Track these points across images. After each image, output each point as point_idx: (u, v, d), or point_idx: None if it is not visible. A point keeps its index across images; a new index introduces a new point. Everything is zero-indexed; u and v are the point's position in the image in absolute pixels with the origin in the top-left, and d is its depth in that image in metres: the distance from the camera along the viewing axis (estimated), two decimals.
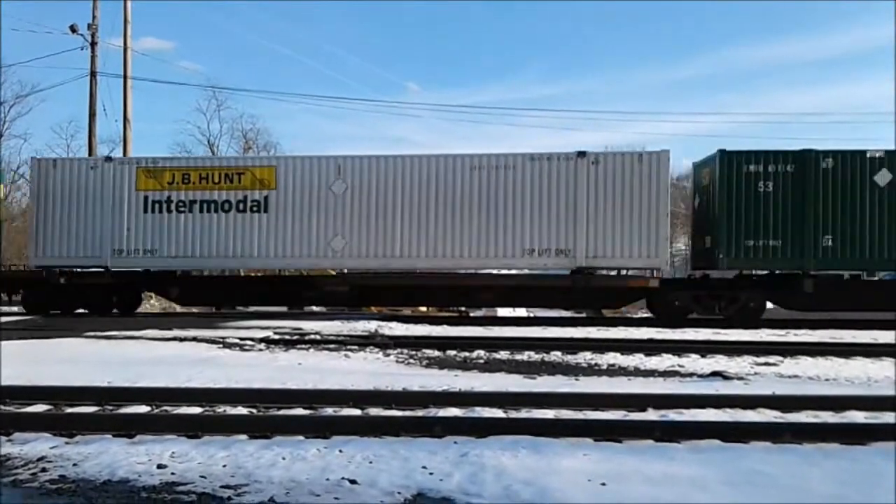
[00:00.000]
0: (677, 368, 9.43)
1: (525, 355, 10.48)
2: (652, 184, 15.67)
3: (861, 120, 78.33)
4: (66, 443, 5.23)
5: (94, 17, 25.11)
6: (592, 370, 9.31)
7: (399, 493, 4.20)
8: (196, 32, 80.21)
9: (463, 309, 20.91)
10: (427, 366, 9.68)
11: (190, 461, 4.76)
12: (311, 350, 11.05)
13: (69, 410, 6.35)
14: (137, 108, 30.32)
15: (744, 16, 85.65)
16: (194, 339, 12.13)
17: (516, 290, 16.77)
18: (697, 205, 17.12)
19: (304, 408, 6.45)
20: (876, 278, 16.35)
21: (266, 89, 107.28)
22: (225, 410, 6.40)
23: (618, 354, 10.49)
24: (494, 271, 17.23)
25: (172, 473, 4.51)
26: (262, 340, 11.92)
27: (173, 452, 4.93)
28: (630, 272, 16.41)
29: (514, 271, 17.12)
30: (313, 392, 6.93)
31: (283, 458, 4.79)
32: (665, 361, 9.96)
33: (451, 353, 10.73)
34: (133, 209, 16.88)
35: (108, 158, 17.52)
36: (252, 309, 19.45)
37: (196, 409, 6.40)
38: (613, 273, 16.63)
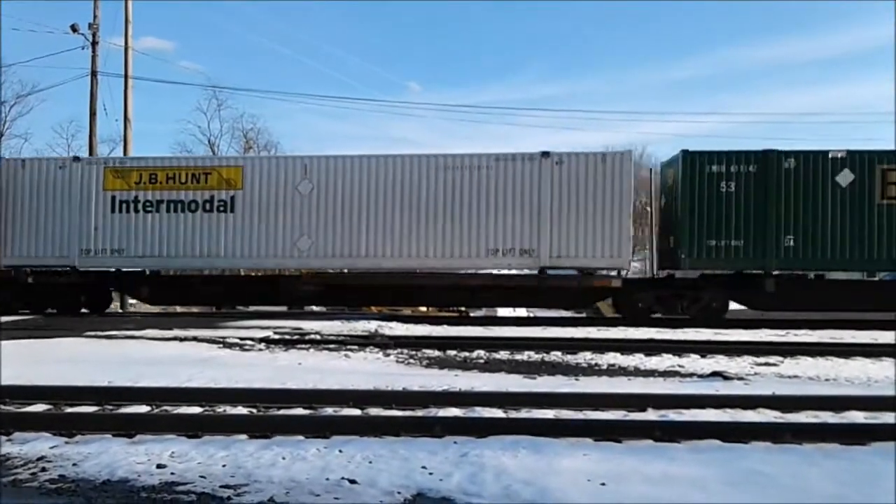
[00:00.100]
0: (677, 368, 9.43)
1: (525, 355, 10.47)
2: (615, 184, 15.74)
3: (861, 120, 78.30)
4: (66, 442, 5.24)
5: (94, 17, 25.11)
6: (592, 370, 9.30)
7: (399, 492, 4.20)
8: (196, 32, 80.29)
9: (463, 309, 20.92)
10: (427, 366, 9.68)
11: (190, 461, 4.76)
12: (312, 350, 11.04)
13: (69, 410, 6.35)
14: (138, 108, 30.37)
15: (744, 16, 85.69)
16: (194, 338, 12.13)
17: (484, 289, 16.80)
18: (663, 205, 17.22)
19: (304, 408, 6.45)
20: (844, 278, 16.49)
21: (266, 89, 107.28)
22: (225, 410, 6.40)
23: (618, 354, 10.48)
24: (465, 271, 17.24)
25: (172, 473, 4.51)
26: (262, 340, 11.92)
27: (173, 452, 4.93)
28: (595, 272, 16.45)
29: (482, 271, 17.21)
30: (313, 392, 6.93)
31: (283, 458, 4.79)
32: (665, 361, 9.96)
33: (452, 352, 10.73)
34: (101, 209, 16.91)
35: (76, 158, 17.51)
36: (252, 309, 19.45)
37: (196, 409, 6.40)
38: (577, 273, 16.63)
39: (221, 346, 11.41)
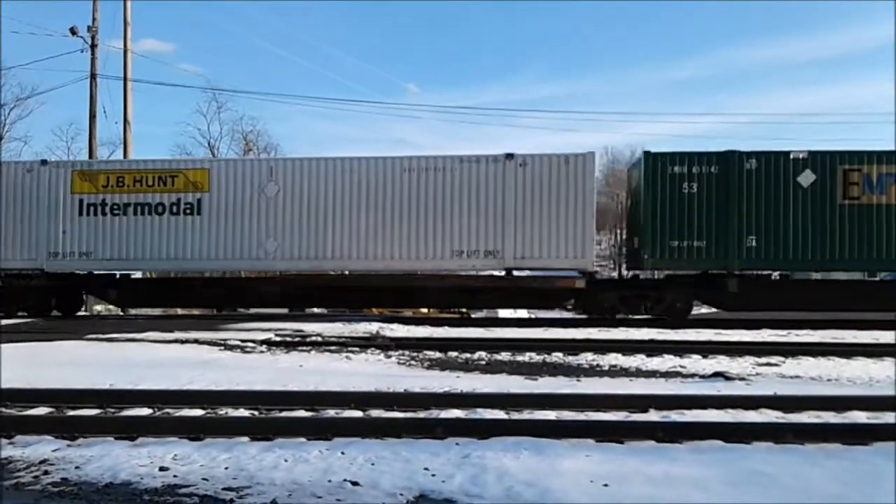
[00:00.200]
0: (679, 369, 9.42)
1: (527, 356, 10.47)
2: (578, 185, 15.82)
3: (861, 120, 78.30)
4: (69, 445, 5.24)
5: (93, 20, 25.13)
6: (594, 371, 9.30)
7: (401, 494, 4.20)
8: (196, 34, 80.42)
9: (464, 310, 20.92)
10: (428, 367, 9.68)
11: (192, 463, 4.77)
12: (313, 352, 11.04)
13: (71, 413, 6.36)
14: (138, 111, 30.41)
15: (744, 16, 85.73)
16: (195, 341, 12.13)
17: (453, 291, 16.87)
18: (629, 206, 17.22)
19: (306, 410, 6.45)
20: (814, 278, 16.52)
21: (266, 91, 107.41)
22: (227, 412, 6.41)
23: (619, 355, 10.47)
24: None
25: (174, 476, 4.51)
26: (263, 342, 11.92)
27: (175, 455, 4.93)
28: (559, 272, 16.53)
29: (449, 272, 17.07)
30: (315, 394, 6.93)
31: (285, 460, 4.79)
32: (667, 362, 9.95)
33: (453, 354, 10.73)
34: (68, 212, 16.95)
35: (44, 162, 17.51)
36: (253, 311, 19.46)
37: (198, 412, 6.40)
38: (542, 274, 16.67)
39: (222, 348, 11.41)
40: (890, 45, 70.25)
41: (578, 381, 8.39)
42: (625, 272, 17.97)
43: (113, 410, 6.50)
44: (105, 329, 13.93)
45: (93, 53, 25.09)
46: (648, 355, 10.44)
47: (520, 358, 10.37)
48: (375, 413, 6.32)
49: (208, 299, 18.64)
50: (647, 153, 15.84)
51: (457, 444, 5.14)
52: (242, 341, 11.97)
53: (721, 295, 15.78)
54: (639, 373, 9.20)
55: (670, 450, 5.05)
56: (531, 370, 9.32)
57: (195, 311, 19.95)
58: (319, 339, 12.52)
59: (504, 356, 10.52)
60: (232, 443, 5.23)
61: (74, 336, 12.66)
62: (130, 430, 5.50)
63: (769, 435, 5.32)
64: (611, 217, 48.31)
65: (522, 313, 22.36)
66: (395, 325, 15.10)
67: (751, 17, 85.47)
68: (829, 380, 8.61)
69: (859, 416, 6.07)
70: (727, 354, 10.47)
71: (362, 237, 16.31)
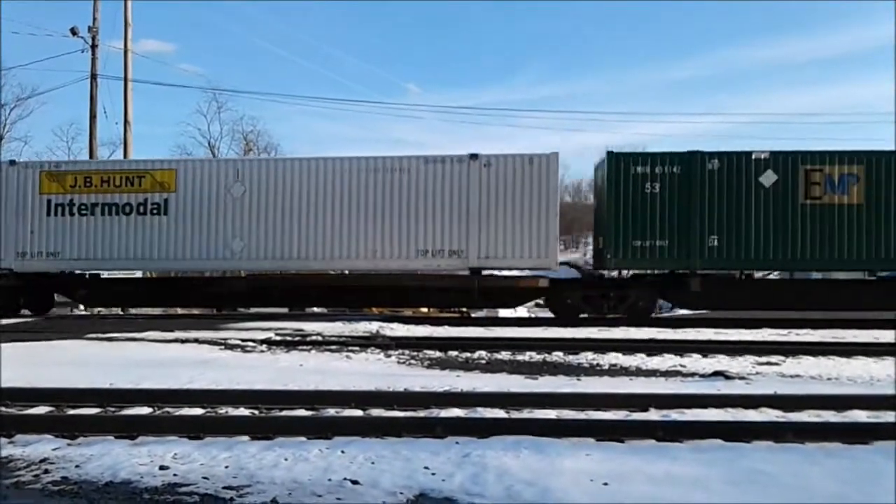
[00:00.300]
0: (679, 368, 9.42)
1: (527, 356, 10.47)
2: (542, 186, 15.87)
3: (861, 120, 78.30)
4: (69, 444, 5.24)
5: (94, 20, 25.13)
6: (594, 370, 9.30)
7: (401, 493, 4.20)
8: (196, 35, 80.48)
9: (464, 309, 20.94)
10: (429, 366, 9.68)
11: (192, 462, 4.77)
12: (313, 351, 11.05)
13: (71, 412, 6.36)
14: (138, 111, 30.41)
15: (744, 16, 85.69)
16: (196, 340, 12.14)
17: (414, 290, 16.96)
18: (596, 206, 17.27)
19: (306, 409, 6.45)
20: (776, 277, 16.65)
21: (266, 91, 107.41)
22: (227, 412, 6.41)
23: (619, 354, 10.48)
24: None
25: (175, 475, 4.51)
26: (263, 342, 11.92)
27: (175, 454, 4.93)
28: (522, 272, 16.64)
29: (414, 272, 17.28)
30: (315, 393, 6.93)
31: (286, 459, 4.79)
32: (667, 361, 9.95)
33: (453, 353, 10.73)
34: (36, 212, 17.00)
35: (13, 162, 17.54)
36: (253, 310, 19.47)
37: (198, 411, 6.41)
38: (506, 273, 16.81)
39: (223, 347, 11.41)
40: (890, 45, 70.33)
41: (579, 380, 8.39)
42: (594, 272, 18.05)
43: (113, 409, 6.50)
44: (105, 328, 13.94)
45: (93, 54, 25.11)
46: (648, 354, 10.45)
47: (520, 357, 10.37)
48: (375, 412, 6.32)
49: (180, 298, 18.82)
50: (610, 153, 15.88)
51: (457, 443, 5.14)
52: (243, 340, 11.98)
53: (683, 294, 15.89)
54: (639, 372, 9.20)
55: (670, 449, 5.05)
56: (531, 369, 9.31)
57: (195, 311, 19.96)
58: (320, 338, 12.53)
59: (504, 355, 10.52)
60: (232, 442, 5.24)
61: (74, 335, 12.67)
62: (131, 429, 5.50)
63: (769, 434, 5.33)
64: None
65: (522, 312, 22.37)
66: (395, 325, 15.11)
67: (751, 17, 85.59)
68: (829, 379, 8.61)
69: (859, 416, 6.07)
70: (727, 353, 10.48)
71: (328, 237, 16.42)
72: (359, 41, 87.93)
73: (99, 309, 20.52)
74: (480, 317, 20.14)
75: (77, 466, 4.70)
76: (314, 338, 12.55)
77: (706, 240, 15.38)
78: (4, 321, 15.64)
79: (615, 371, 9.24)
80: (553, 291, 16.36)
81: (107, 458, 4.85)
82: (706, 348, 10.87)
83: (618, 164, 15.67)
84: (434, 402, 6.53)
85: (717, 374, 8.71)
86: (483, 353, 10.71)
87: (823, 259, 15.39)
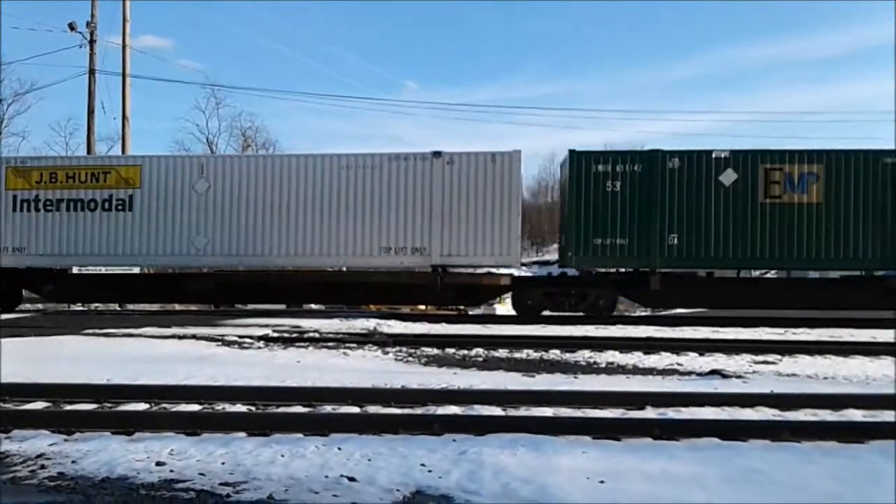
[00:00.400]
0: (676, 367, 9.44)
1: (524, 353, 10.48)
2: (504, 184, 15.93)
3: (861, 119, 78.33)
4: (65, 440, 5.24)
5: (92, 16, 25.08)
6: (591, 368, 9.31)
7: (398, 490, 4.20)
8: (195, 31, 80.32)
9: (462, 307, 20.95)
10: (426, 364, 9.68)
11: (189, 458, 4.76)
12: (310, 348, 11.05)
13: (68, 408, 6.36)
14: (136, 106, 30.34)
15: (744, 16, 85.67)
16: (193, 336, 12.14)
17: (377, 287, 17.10)
18: (561, 205, 17.44)
19: (303, 405, 6.45)
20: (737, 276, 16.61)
21: (265, 88, 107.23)
22: (224, 408, 6.40)
23: (616, 353, 10.49)
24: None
25: (171, 471, 4.51)
26: (260, 338, 11.93)
27: (172, 450, 4.93)
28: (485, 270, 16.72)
29: (376, 269, 17.40)
30: (312, 390, 6.93)
31: (282, 456, 4.79)
32: (664, 360, 9.97)
33: (450, 351, 10.74)
34: (3, 208, 17.07)
35: None
36: (251, 307, 19.47)
37: (195, 407, 6.40)
38: (469, 271, 16.81)
39: (220, 343, 11.41)
40: (890, 45, 70.34)
41: (576, 378, 8.40)
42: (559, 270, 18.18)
43: (110, 405, 6.50)
44: (102, 324, 13.94)
45: (91, 49, 25.06)
46: (645, 353, 10.46)
47: (517, 355, 10.38)
48: (373, 409, 6.32)
49: (147, 295, 18.93)
50: (572, 151, 15.94)
51: (454, 440, 5.15)
52: (240, 337, 11.98)
53: (644, 292, 16.00)
54: (636, 370, 9.21)
55: (667, 447, 5.05)
56: (528, 367, 9.32)
57: (192, 307, 19.96)
58: (317, 335, 12.53)
59: (501, 353, 10.53)
60: (229, 438, 5.23)
61: (72, 331, 12.66)
62: (127, 425, 5.50)
63: (766, 433, 5.33)
64: None
65: None
66: (392, 322, 15.11)
67: (751, 17, 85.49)
68: (825, 378, 8.62)
69: (856, 415, 6.08)
70: (724, 352, 10.50)
71: (291, 234, 16.46)
72: (359, 40, 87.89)
73: (96, 304, 20.53)
74: (478, 314, 20.15)
75: (73, 462, 4.69)
76: (311, 334, 12.56)
77: (666, 238, 15.47)
78: (4, 316, 15.63)
79: (612, 369, 9.25)
80: (515, 289, 16.49)
81: (103, 453, 4.85)
82: (703, 347, 10.89)
83: (579, 163, 15.75)
84: (431, 400, 6.53)
85: (713, 372, 8.72)
86: (480, 350, 10.71)
87: (783, 258, 15.50)
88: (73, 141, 43.38)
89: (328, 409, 6.33)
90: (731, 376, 8.43)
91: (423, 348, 10.94)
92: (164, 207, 16.73)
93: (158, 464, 4.63)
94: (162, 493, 4.13)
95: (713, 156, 15.53)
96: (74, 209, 16.88)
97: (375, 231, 16.21)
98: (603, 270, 16.43)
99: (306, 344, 11.47)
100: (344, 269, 17.57)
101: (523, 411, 6.20)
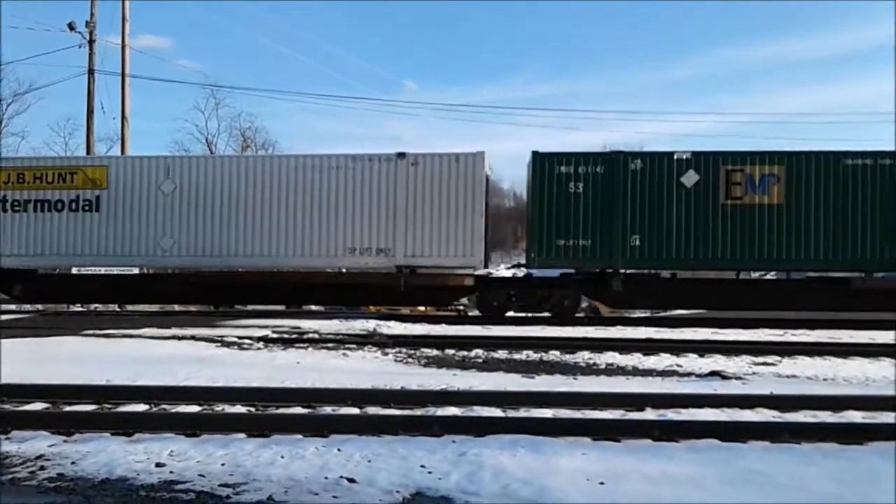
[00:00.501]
0: (675, 368, 9.43)
1: (523, 354, 10.48)
2: (468, 185, 15.95)
3: (861, 120, 78.31)
4: (65, 441, 5.24)
5: (92, 15, 25.08)
6: (591, 369, 9.31)
7: (398, 491, 4.20)
8: (194, 31, 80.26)
9: (461, 308, 20.95)
10: (425, 365, 9.68)
11: (188, 459, 4.76)
12: (310, 349, 11.05)
13: (68, 409, 6.35)
14: (135, 106, 30.19)
15: (744, 16, 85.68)
16: (192, 337, 12.14)
17: (342, 288, 17.14)
18: (527, 206, 17.46)
19: (303, 406, 6.45)
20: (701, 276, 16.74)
21: (265, 88, 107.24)
22: (223, 409, 6.40)
23: (616, 354, 10.49)
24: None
25: (171, 472, 4.51)
26: (260, 339, 11.92)
27: (172, 451, 4.93)
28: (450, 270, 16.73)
29: (344, 269, 17.55)
30: (312, 391, 6.93)
31: (282, 457, 4.79)
32: (663, 361, 9.96)
33: (450, 352, 10.73)
34: None
35: None
36: (250, 308, 19.47)
37: (194, 408, 6.40)
38: (435, 272, 16.81)
39: (219, 344, 11.41)
40: (890, 45, 70.31)
41: (575, 379, 8.40)
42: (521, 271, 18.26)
43: (110, 406, 6.49)
44: (102, 325, 13.93)
45: (91, 49, 25.05)
46: (645, 354, 10.46)
47: (517, 356, 10.38)
48: (372, 410, 6.32)
49: (113, 296, 18.96)
50: (535, 153, 15.96)
51: (453, 441, 5.15)
52: (239, 338, 11.98)
53: (606, 293, 16.07)
54: (635, 371, 9.21)
55: (667, 448, 5.05)
56: (528, 368, 9.32)
57: (192, 308, 19.95)
58: (316, 335, 12.53)
59: (501, 354, 10.52)
60: (229, 439, 5.23)
61: (72, 332, 12.66)
62: (127, 426, 5.50)
63: (766, 434, 5.33)
64: None
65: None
66: (392, 323, 15.11)
67: (751, 17, 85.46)
68: (825, 379, 8.62)
69: (855, 416, 6.08)
70: (724, 353, 10.49)
71: (258, 234, 16.49)
72: (359, 40, 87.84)
73: (96, 305, 20.52)
74: (477, 315, 20.14)
75: (73, 463, 4.69)
76: (311, 335, 12.55)
77: (628, 239, 15.50)
78: (4, 317, 15.63)
79: (612, 370, 9.25)
80: (479, 290, 16.55)
81: (103, 454, 4.85)
82: (703, 348, 10.88)
83: (542, 164, 15.78)
84: (431, 401, 6.53)
85: (713, 373, 8.72)
86: (480, 351, 10.71)
87: (744, 259, 15.49)
88: (72, 141, 43.33)
89: (328, 410, 6.33)
90: (730, 378, 8.43)
91: (422, 349, 10.94)
92: (131, 208, 16.75)
93: (158, 465, 4.63)
94: (162, 495, 4.13)
95: (675, 157, 15.59)
96: (42, 210, 16.86)
97: (340, 232, 16.24)
98: (566, 271, 16.51)
99: (306, 345, 11.47)
100: (310, 269, 17.55)
101: (523, 412, 6.20)
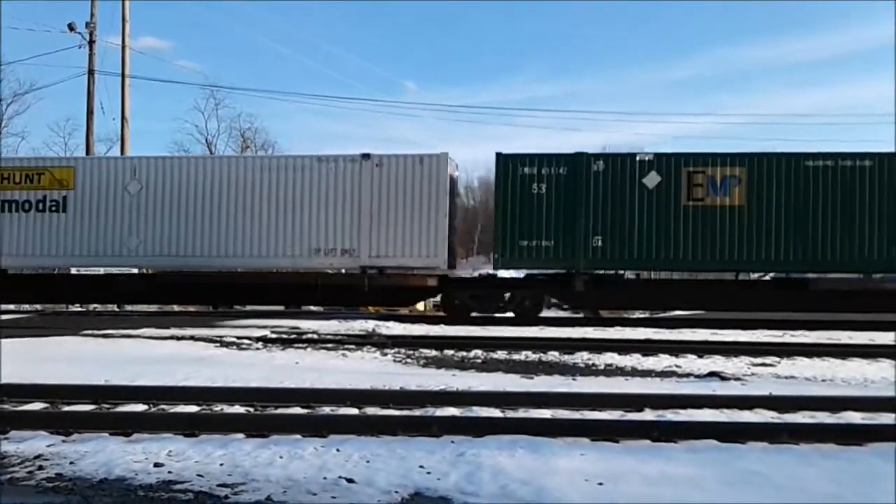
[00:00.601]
0: (674, 369, 9.44)
1: (522, 355, 10.48)
2: (432, 186, 16.03)
3: (860, 121, 78.30)
4: (63, 441, 5.23)
5: (92, 16, 25.05)
6: (590, 370, 9.31)
7: (396, 492, 4.19)
8: (194, 31, 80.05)
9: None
10: (424, 365, 9.68)
11: (187, 460, 4.76)
12: (309, 349, 11.05)
13: (66, 409, 6.35)
14: (135, 107, 30.16)
15: (744, 16, 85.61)
16: (191, 337, 12.14)
17: (306, 288, 17.05)
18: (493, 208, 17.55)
19: (302, 407, 6.45)
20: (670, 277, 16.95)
21: (265, 88, 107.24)
22: (222, 409, 6.39)
23: (615, 354, 10.49)
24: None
25: (169, 472, 4.50)
26: (259, 339, 11.93)
27: (170, 451, 4.92)
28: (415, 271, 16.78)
29: (306, 270, 17.40)
30: (310, 391, 6.93)
31: (281, 457, 4.79)
32: (662, 362, 9.97)
33: (449, 352, 10.73)
34: None
35: None
36: (249, 308, 19.47)
37: (193, 408, 6.40)
38: (399, 272, 16.81)
39: (218, 345, 11.41)
40: (890, 45, 70.20)
41: (574, 379, 8.40)
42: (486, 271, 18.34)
43: (108, 406, 6.49)
44: (101, 325, 13.93)
45: (91, 49, 25.03)
46: (644, 355, 10.46)
47: (516, 356, 10.38)
48: (371, 410, 6.32)
49: (79, 295, 18.92)
50: (499, 154, 16.06)
51: (452, 442, 5.14)
52: (238, 338, 11.98)
53: (569, 294, 16.14)
54: (634, 372, 9.21)
55: (665, 449, 5.05)
56: (527, 369, 9.32)
57: (191, 308, 19.94)
58: (315, 336, 12.53)
59: (500, 354, 10.53)
60: (227, 439, 5.23)
61: (71, 332, 12.66)
62: (125, 426, 5.49)
63: (764, 435, 5.33)
64: None
65: None
66: (391, 323, 15.13)
67: (751, 17, 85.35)
68: (823, 380, 8.62)
69: (854, 417, 6.08)
70: (723, 354, 10.50)
71: (223, 235, 16.52)
72: (359, 40, 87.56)
73: (94, 305, 20.50)
74: (476, 316, 20.15)
75: (71, 463, 4.69)
76: (310, 336, 12.56)
77: (591, 240, 15.58)
78: (4, 317, 15.63)
79: (611, 371, 9.25)
80: (442, 290, 16.63)
81: (101, 454, 4.84)
82: (702, 349, 10.89)
83: (506, 165, 15.87)
84: (430, 401, 6.53)
85: (712, 374, 8.73)
86: (479, 352, 10.72)
87: (705, 260, 15.55)
88: (72, 141, 43.15)
89: (327, 410, 6.33)
90: (729, 378, 8.44)
91: (421, 350, 10.94)
92: (98, 208, 16.80)
93: (157, 465, 4.62)
94: (160, 495, 4.12)
95: (637, 159, 15.73)
96: (8, 210, 16.89)
97: (305, 232, 16.30)
98: (530, 272, 16.61)
99: (305, 345, 11.47)
100: (274, 269, 17.56)
101: (522, 413, 6.20)
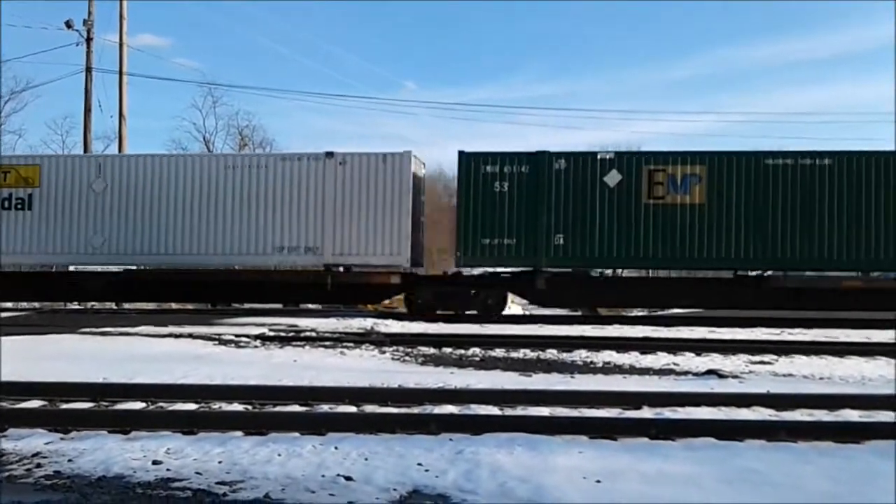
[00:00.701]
0: (672, 367, 9.45)
1: (521, 353, 10.49)
2: (395, 184, 16.09)
3: (860, 121, 78.26)
4: (62, 439, 5.23)
5: (89, 13, 24.96)
6: (588, 368, 9.32)
7: (394, 489, 4.20)
8: (193, 30, 79.73)
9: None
10: (423, 363, 9.69)
11: (185, 457, 4.76)
12: (307, 347, 11.04)
13: (64, 406, 6.35)
14: (133, 104, 30.25)
15: (744, 16, 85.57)
16: (189, 335, 12.13)
17: (269, 286, 17.23)
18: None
19: (300, 405, 6.44)
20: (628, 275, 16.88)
21: (263, 86, 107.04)
22: (220, 407, 6.40)
23: (613, 352, 10.50)
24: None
25: (168, 469, 4.50)
26: (257, 337, 11.92)
27: (168, 449, 4.92)
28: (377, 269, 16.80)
29: (269, 268, 17.65)
30: (309, 389, 6.93)
31: (279, 455, 4.79)
32: (660, 359, 9.98)
33: (447, 350, 10.74)
34: None
35: None
36: (247, 306, 19.46)
37: (191, 406, 6.39)
38: (362, 270, 16.91)
39: (217, 342, 11.41)
40: (890, 45, 70.13)
41: (572, 377, 8.40)
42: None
43: (106, 404, 6.48)
44: (99, 323, 13.92)
45: (88, 47, 24.96)
46: (642, 353, 10.48)
47: (514, 354, 10.39)
48: (369, 408, 6.32)
49: (35, 294, 18.95)
50: (461, 153, 16.09)
51: (450, 439, 5.15)
52: (236, 336, 11.98)
53: (531, 292, 16.23)
54: (632, 370, 9.22)
55: (663, 447, 5.06)
56: (525, 367, 9.33)
57: (189, 306, 19.92)
58: (314, 334, 12.53)
59: (498, 352, 10.53)
60: (225, 437, 5.23)
61: (69, 330, 12.64)
62: (124, 424, 5.49)
63: (762, 433, 5.34)
64: None
65: (517, 310, 22.35)
66: (389, 321, 15.12)
67: (751, 17, 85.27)
68: (821, 378, 8.64)
69: (852, 415, 6.09)
70: (721, 352, 10.51)
71: (187, 233, 16.57)
72: (359, 40, 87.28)
73: (92, 303, 20.47)
74: (475, 314, 20.17)
75: (70, 461, 4.68)
76: (308, 334, 12.55)
77: (552, 238, 15.64)
78: (4, 314, 15.61)
79: (609, 369, 9.26)
80: (406, 288, 16.70)
81: (100, 452, 4.84)
82: (700, 347, 10.91)
83: (468, 164, 15.92)
84: (428, 399, 6.53)
85: (710, 372, 8.74)
86: (477, 350, 10.72)
87: (666, 258, 15.65)
88: (69, 139, 43.09)
89: (325, 408, 6.33)
90: (727, 376, 8.45)
91: (420, 348, 10.95)
92: (63, 207, 16.81)
93: (155, 462, 4.62)
94: (158, 492, 4.12)
95: (598, 157, 15.79)
96: None
97: (269, 230, 16.34)
98: (493, 270, 16.66)
99: (303, 343, 11.47)
100: (238, 267, 17.57)
101: (520, 411, 6.21)
